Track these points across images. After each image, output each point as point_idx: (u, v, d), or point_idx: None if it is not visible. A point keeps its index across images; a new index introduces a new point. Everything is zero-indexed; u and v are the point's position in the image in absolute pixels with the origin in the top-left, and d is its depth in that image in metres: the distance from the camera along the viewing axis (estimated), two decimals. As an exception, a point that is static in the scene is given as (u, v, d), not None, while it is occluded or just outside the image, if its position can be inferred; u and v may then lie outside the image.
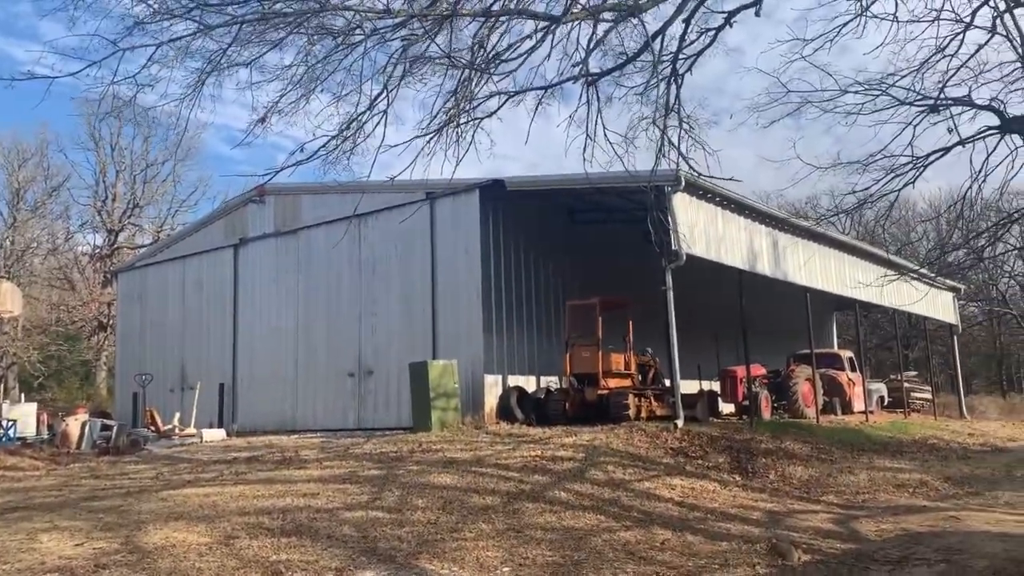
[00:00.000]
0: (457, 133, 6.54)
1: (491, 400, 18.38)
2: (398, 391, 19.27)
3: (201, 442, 19.16)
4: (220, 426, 22.07)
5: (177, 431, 20.01)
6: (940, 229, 53.84)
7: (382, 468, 12.43)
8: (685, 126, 8.01)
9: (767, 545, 9.25)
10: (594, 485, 11.64)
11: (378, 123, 6.27)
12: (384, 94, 6.21)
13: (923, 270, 24.62)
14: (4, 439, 20.12)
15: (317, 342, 21.68)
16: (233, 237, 24.26)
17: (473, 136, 6.74)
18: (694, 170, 6.92)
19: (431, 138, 6.29)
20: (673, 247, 15.88)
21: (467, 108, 6.48)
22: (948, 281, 31.31)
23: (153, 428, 19.95)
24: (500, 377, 18.92)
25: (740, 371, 21.03)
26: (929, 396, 31.12)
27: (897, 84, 9.76)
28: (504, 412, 18.04)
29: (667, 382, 18.74)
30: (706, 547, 9.23)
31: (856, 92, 9.99)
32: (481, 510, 10.14)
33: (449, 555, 8.38)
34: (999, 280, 53.62)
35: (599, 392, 17.54)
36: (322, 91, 6.99)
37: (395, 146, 6.10)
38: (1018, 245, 40.50)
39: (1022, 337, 53.94)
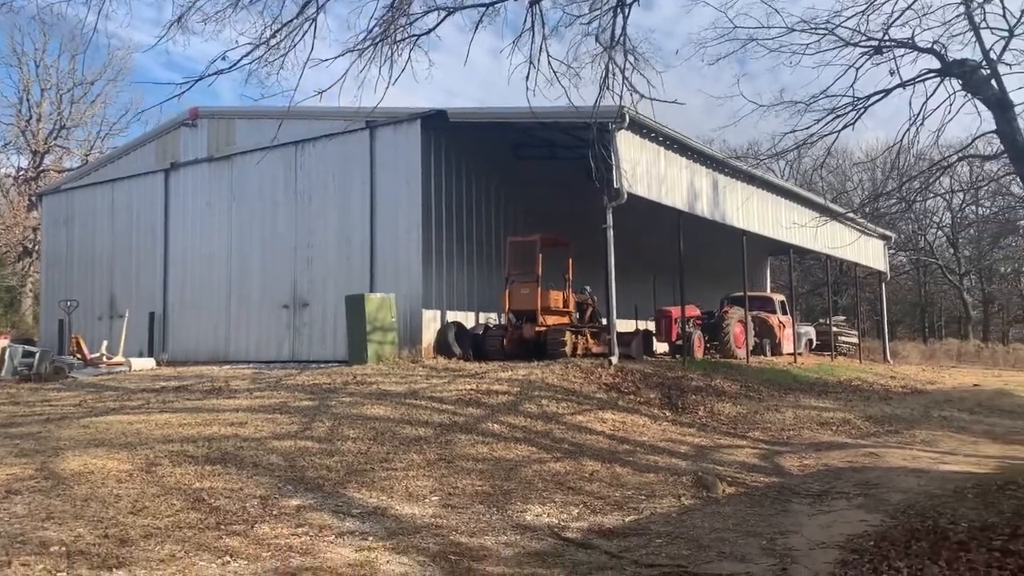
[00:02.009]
0: (392, 50, 6.25)
1: (429, 335, 18.26)
2: (334, 324, 19.01)
3: (129, 371, 18.74)
4: (150, 355, 21.58)
5: (104, 359, 19.50)
6: (875, 179, 55.11)
7: (314, 399, 12.28)
8: (631, 58, 7.85)
9: (693, 477, 9.44)
10: (527, 418, 11.71)
11: (307, 31, 5.93)
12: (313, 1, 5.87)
13: (854, 215, 25.13)
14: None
15: (251, 272, 21.18)
16: (164, 162, 23.35)
17: (410, 55, 6.46)
18: (639, 94, 6.73)
19: (364, 52, 6.00)
20: (615, 185, 15.78)
21: (403, 24, 6.18)
22: (879, 229, 32.10)
23: (79, 356, 19.40)
24: (439, 312, 18.79)
25: (675, 311, 21.31)
26: (855, 340, 32.11)
27: (843, 25, 9.72)
28: (442, 347, 17.98)
29: (604, 320, 18.88)
30: (634, 478, 9.38)
31: (802, 31, 9.92)
32: (413, 441, 10.11)
33: (378, 484, 8.34)
34: (927, 231, 55.23)
35: (537, 329, 17.58)
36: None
37: (325, 60, 5.79)
38: (948, 192, 41.66)
39: (945, 286, 55.84)
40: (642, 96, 6.29)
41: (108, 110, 46.35)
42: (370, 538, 6.76)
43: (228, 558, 6.07)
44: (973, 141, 9.58)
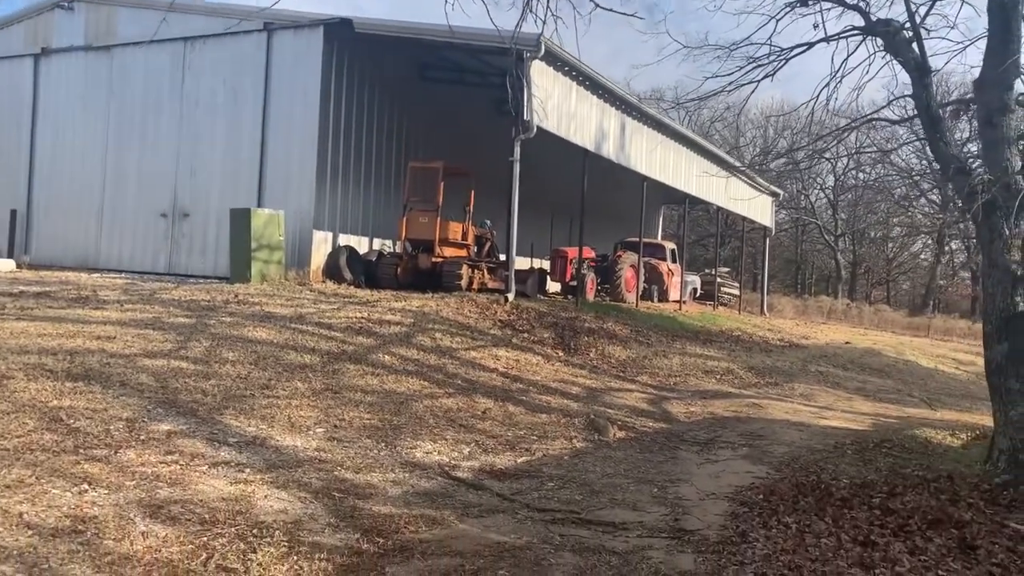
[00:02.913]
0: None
1: (319, 257, 17.50)
2: (216, 238, 17.94)
3: (-16, 272, 17.21)
4: (10, 257, 19.92)
5: (-45, 258, 17.85)
6: (767, 136, 56.67)
7: (191, 316, 11.50)
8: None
9: (585, 420, 9.36)
10: (420, 351, 11.34)
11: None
12: None
13: (749, 172, 25.58)
14: None
15: (128, 176, 19.65)
16: (35, 46, 21.21)
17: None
18: (594, 2, 6.25)
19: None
20: (525, 117, 15.32)
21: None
22: (770, 186, 32.99)
23: (-75, 252, 17.68)
24: (330, 234, 18.01)
25: (571, 252, 21.27)
26: (737, 292, 33.18)
27: (772, -29, 9.50)
28: (332, 271, 17.26)
29: (502, 256, 18.60)
30: (527, 418, 9.21)
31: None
32: (298, 368, 9.58)
33: (258, 412, 7.82)
34: (811, 191, 57.45)
35: (433, 260, 17.11)
36: None
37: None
38: (835, 157, 43.26)
39: (820, 246, 58.50)
40: (596, 5, 5.80)
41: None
42: (247, 470, 6.30)
43: (86, 486, 5.51)
44: (889, 104, 9.64)
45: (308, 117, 17.25)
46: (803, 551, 5.52)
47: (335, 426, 7.81)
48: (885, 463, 8.19)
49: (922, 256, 59.45)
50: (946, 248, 52.55)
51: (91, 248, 19.97)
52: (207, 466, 6.27)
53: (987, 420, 12.04)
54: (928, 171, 51.48)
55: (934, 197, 53.10)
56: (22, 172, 21.19)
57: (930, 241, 54.69)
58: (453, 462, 7.27)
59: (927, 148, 48.09)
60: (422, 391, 9.54)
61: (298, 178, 17.37)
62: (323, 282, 16.68)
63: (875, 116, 10.58)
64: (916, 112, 8.79)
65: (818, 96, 9.43)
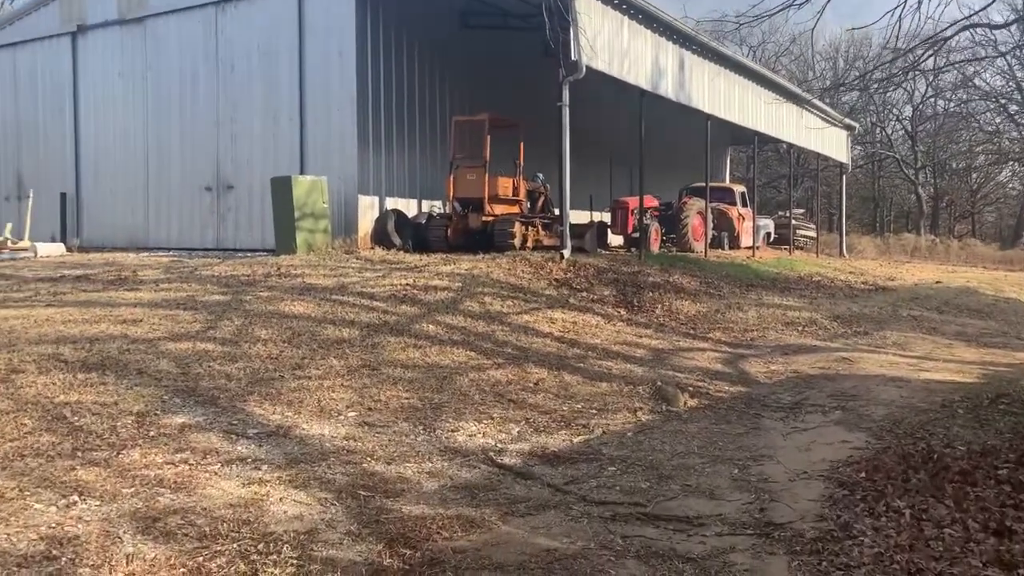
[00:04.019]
0: None
1: (366, 223, 16.74)
2: (262, 209, 17.30)
3: (35, 257, 17.02)
4: (63, 240, 19.76)
5: (9, 244, 17.68)
6: (837, 69, 53.61)
7: (227, 293, 10.84)
8: None
9: (651, 387, 8.37)
10: (468, 318, 10.46)
11: None
12: None
13: (820, 103, 23.75)
14: None
15: (170, 151, 19.16)
16: (70, 24, 20.79)
17: None
18: None
19: None
20: (573, 57, 14.12)
21: None
22: (845, 119, 30.91)
23: (-22, 240, 17.55)
24: (377, 199, 17.21)
25: (632, 202, 20.05)
26: (813, 234, 31.40)
27: None
28: (380, 237, 16.50)
29: (556, 211, 17.56)
30: (584, 388, 8.28)
31: None
32: (335, 343, 8.82)
33: (285, 397, 7.08)
34: (887, 123, 54.27)
35: (484, 219, 16.19)
36: None
37: None
38: (911, 81, 40.59)
39: (898, 181, 55.34)
40: None
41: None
42: (264, 467, 5.56)
43: (75, 497, 4.84)
44: (986, 7, 8.21)
45: (345, 76, 16.37)
46: (923, 546, 4.48)
47: (369, 409, 7.02)
48: (1006, 423, 7.01)
49: (1010, 185, 55.81)
50: (1038, 174, 49.02)
51: (140, 227, 19.64)
52: (219, 465, 5.55)
53: (1115, 364, 10.64)
54: (1017, 91, 48.02)
55: (1022, 120, 49.51)
56: (68, 155, 20.93)
57: (1019, 168, 51.16)
58: (499, 445, 6.40)
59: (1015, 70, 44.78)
60: (468, 363, 8.66)
61: (339, 141, 16.56)
62: (371, 249, 15.94)
63: (973, 22, 9.13)
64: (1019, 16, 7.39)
65: (906, 1, 8.07)
